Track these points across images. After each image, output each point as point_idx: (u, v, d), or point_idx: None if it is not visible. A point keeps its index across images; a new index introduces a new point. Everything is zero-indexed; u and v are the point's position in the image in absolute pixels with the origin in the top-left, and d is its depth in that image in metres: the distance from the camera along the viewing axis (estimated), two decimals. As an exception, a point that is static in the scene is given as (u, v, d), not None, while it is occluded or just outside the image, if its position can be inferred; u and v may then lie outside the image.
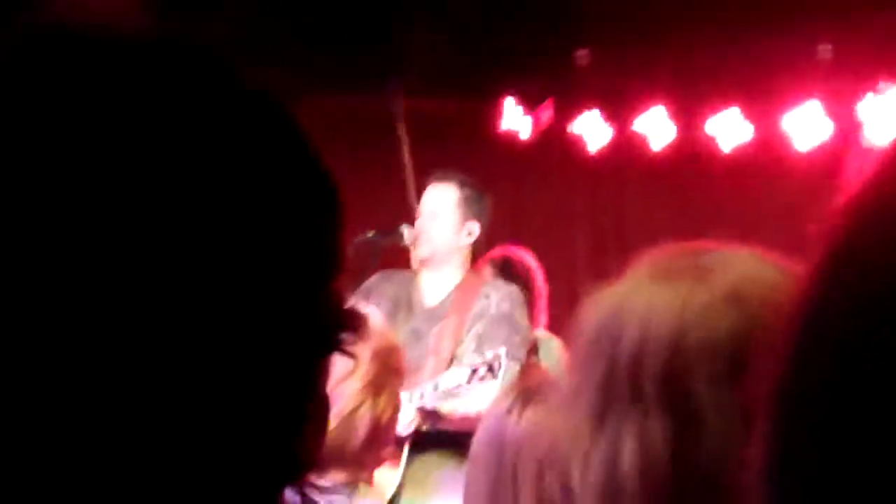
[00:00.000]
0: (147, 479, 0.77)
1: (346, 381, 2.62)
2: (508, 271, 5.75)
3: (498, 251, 5.67)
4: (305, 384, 0.86)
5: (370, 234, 5.36)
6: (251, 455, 0.82)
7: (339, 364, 2.81)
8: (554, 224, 8.54)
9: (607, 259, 8.09)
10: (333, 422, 2.59)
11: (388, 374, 2.73)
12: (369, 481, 2.63)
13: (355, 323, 0.87)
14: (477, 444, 2.42)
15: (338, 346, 0.86)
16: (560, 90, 7.78)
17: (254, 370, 0.81)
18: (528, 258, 5.78)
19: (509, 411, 2.34)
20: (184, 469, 0.79)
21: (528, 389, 2.39)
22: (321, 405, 0.87)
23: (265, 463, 0.83)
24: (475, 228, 5.43)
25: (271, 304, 0.81)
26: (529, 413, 2.31)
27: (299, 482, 0.87)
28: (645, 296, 1.40)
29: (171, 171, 0.78)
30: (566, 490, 1.40)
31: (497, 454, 2.32)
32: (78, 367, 0.76)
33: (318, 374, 0.86)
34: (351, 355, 0.87)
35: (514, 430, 2.31)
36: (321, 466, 2.53)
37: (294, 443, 0.85)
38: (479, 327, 5.26)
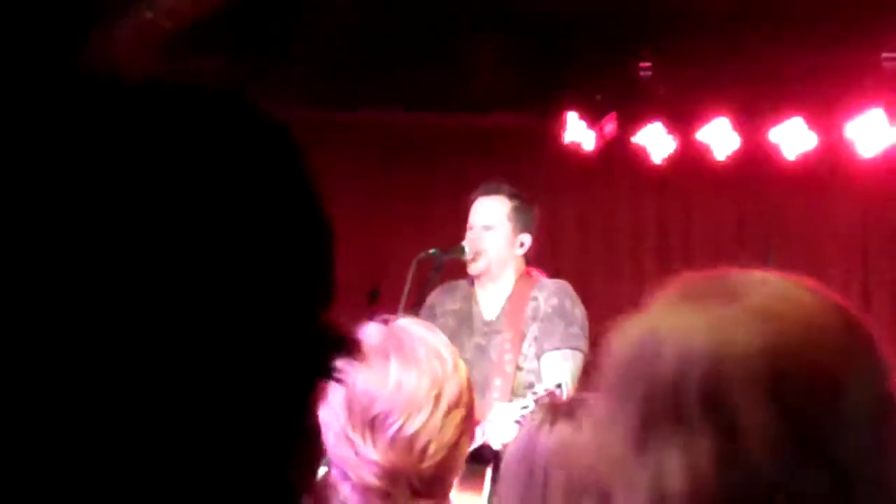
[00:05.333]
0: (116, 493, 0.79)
1: (455, 410, 2.57)
2: None
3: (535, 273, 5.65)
4: (297, 411, 0.86)
5: (431, 251, 5.37)
6: (243, 482, 0.83)
7: (448, 391, 2.74)
8: (619, 235, 8.55)
9: (673, 269, 8.06)
10: (441, 452, 2.55)
11: (473, 402, 2.71)
12: None
13: (349, 348, 0.87)
14: (508, 458, 2.44)
15: (329, 372, 0.87)
16: (623, 103, 7.78)
17: (245, 396, 0.82)
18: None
19: (540, 427, 2.36)
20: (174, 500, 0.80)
21: (559, 405, 2.41)
22: (313, 433, 0.88)
23: (257, 491, 0.83)
24: (527, 240, 5.42)
25: (263, 328, 0.83)
26: (559, 429, 2.33)
27: None
28: (679, 318, 1.42)
29: (177, 198, 0.81)
30: None
31: (528, 470, 2.34)
32: (65, 392, 0.78)
33: (311, 401, 0.87)
34: (340, 380, 0.87)
35: (545, 445, 2.32)
36: (416, 494, 2.52)
37: (287, 471, 0.85)
38: (534, 330, 5.25)
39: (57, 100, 0.82)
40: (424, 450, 2.48)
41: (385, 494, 2.38)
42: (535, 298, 5.31)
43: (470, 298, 5.42)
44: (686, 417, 1.35)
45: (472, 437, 2.65)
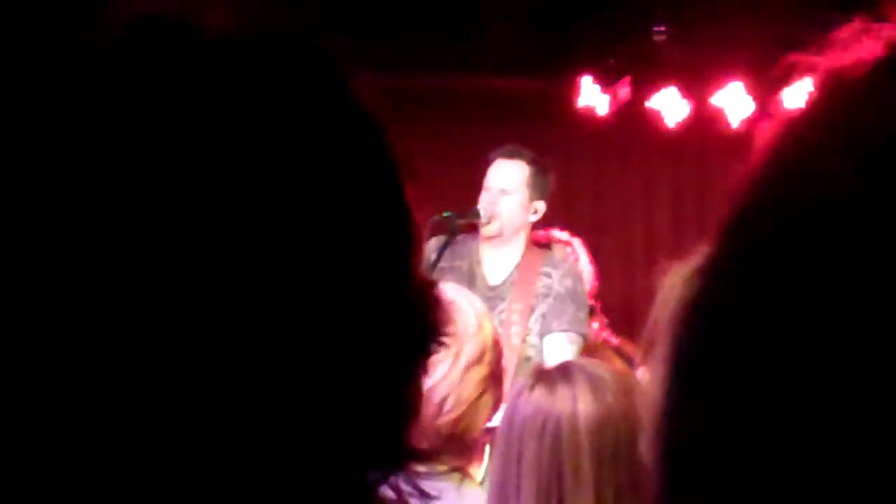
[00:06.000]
0: (246, 468, 0.78)
1: (474, 367, 2.56)
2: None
3: (542, 234, 5.62)
4: (403, 375, 0.86)
5: (446, 213, 5.25)
6: (350, 444, 0.82)
7: (468, 348, 2.75)
8: (633, 200, 8.54)
9: (687, 234, 8.08)
10: (460, 408, 2.54)
11: (500, 362, 2.69)
12: (469, 473, 2.61)
13: (445, 312, 0.87)
14: (498, 429, 2.44)
15: (435, 337, 0.86)
16: (637, 67, 7.75)
17: (352, 361, 0.81)
18: (573, 241, 5.74)
19: (519, 394, 2.36)
20: (281, 456, 0.79)
21: (540, 371, 2.40)
22: (418, 395, 0.88)
23: (363, 452, 0.84)
24: (541, 207, 5.36)
25: (365, 294, 0.82)
26: (536, 395, 2.32)
27: (400, 471, 0.87)
28: None
29: (268, 168, 0.79)
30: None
31: (507, 433, 2.34)
32: (183, 350, 0.77)
33: (417, 364, 0.87)
34: (446, 345, 0.87)
35: (523, 408, 2.32)
36: (440, 451, 2.51)
37: (392, 432, 0.85)
38: (543, 307, 5.21)
39: (124, 57, 0.80)
40: (442, 404, 2.48)
41: None
42: (549, 275, 5.26)
43: (474, 258, 5.35)
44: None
45: (497, 398, 2.65)
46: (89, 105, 0.79)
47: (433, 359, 2.96)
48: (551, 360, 5.02)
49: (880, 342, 0.57)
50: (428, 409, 2.47)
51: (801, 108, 0.67)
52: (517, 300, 5.22)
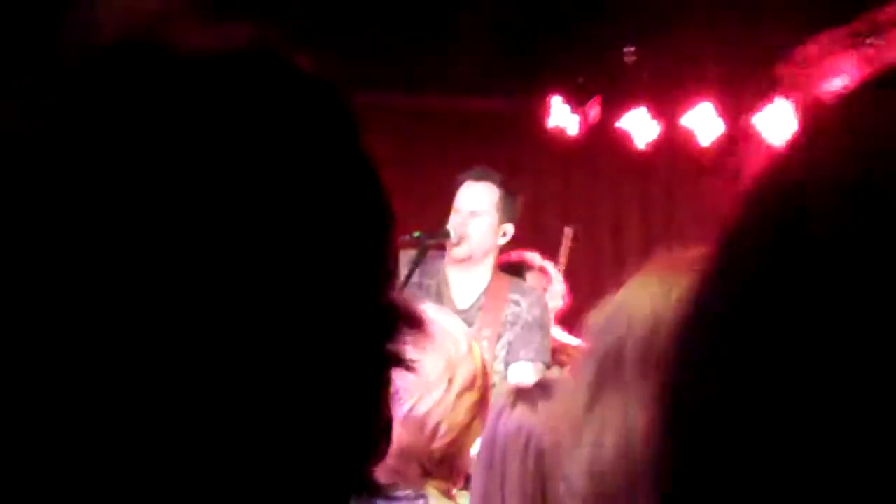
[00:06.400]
0: (210, 488, 0.78)
1: (466, 393, 2.58)
2: (522, 276, 5.72)
3: (514, 256, 5.62)
4: (368, 392, 0.84)
5: (416, 233, 5.23)
6: (314, 468, 0.81)
7: (461, 373, 2.76)
8: (603, 219, 8.56)
9: (655, 254, 8.08)
10: (452, 433, 2.56)
11: (489, 387, 2.71)
12: (452, 496, 2.63)
13: (415, 324, 0.86)
14: (479, 448, 2.45)
15: (399, 354, 0.85)
16: (607, 87, 7.79)
17: (312, 380, 0.80)
18: (546, 264, 5.75)
19: (500, 413, 2.36)
20: (245, 481, 0.78)
21: (521, 389, 2.41)
22: (385, 415, 0.86)
23: (330, 476, 0.82)
24: (510, 230, 5.36)
25: (330, 306, 0.81)
26: (518, 412, 2.32)
27: (368, 495, 0.85)
28: (636, 290, 1.47)
29: (245, 173, 0.79)
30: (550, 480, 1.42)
31: (489, 452, 2.34)
32: (159, 353, 0.77)
33: (382, 382, 0.85)
34: (409, 366, 0.86)
35: (505, 427, 2.32)
36: (427, 474, 2.52)
37: (359, 455, 0.84)
38: (509, 335, 5.21)
39: (95, 74, 0.80)
40: (436, 430, 2.51)
41: (396, 473, 2.40)
42: (517, 303, 5.26)
43: (441, 279, 5.34)
44: (626, 381, 1.40)
45: (485, 421, 2.69)
46: (66, 116, 0.79)
47: (428, 384, 2.91)
48: None
49: (877, 349, 0.59)
50: (422, 434, 2.49)
51: (799, 126, 0.69)
52: (486, 326, 5.22)
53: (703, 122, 7.72)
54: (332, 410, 0.82)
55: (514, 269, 5.61)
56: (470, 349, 2.59)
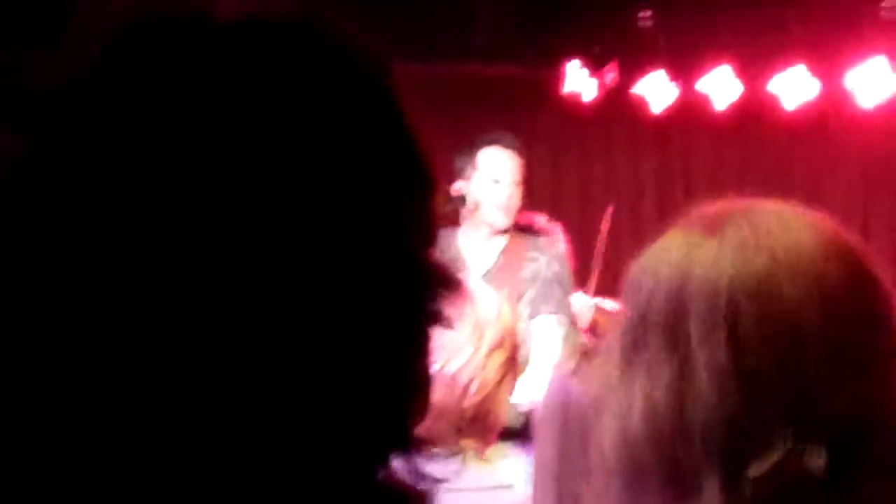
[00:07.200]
0: (249, 452, 0.78)
1: (496, 352, 2.61)
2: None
3: (523, 217, 5.64)
4: (408, 350, 0.85)
5: None
6: (356, 425, 0.82)
7: (489, 333, 2.81)
8: (619, 185, 8.54)
9: (674, 219, 8.06)
10: (483, 391, 2.58)
11: (517, 347, 2.74)
12: (483, 454, 2.64)
13: (454, 285, 0.87)
14: (542, 412, 2.39)
15: (438, 313, 0.86)
16: (624, 51, 7.75)
17: (355, 338, 0.81)
18: (552, 226, 5.75)
19: (572, 374, 2.31)
20: (287, 438, 0.79)
21: (588, 351, 2.39)
22: (425, 374, 0.86)
23: (371, 434, 0.83)
24: (520, 195, 5.44)
25: (370, 268, 0.82)
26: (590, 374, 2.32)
27: (408, 452, 0.86)
28: (661, 250, 1.42)
29: (281, 145, 0.80)
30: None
31: (562, 420, 2.29)
32: (196, 322, 0.77)
33: (422, 340, 0.86)
34: (449, 322, 0.86)
35: (578, 392, 2.27)
36: (459, 433, 2.54)
37: (400, 412, 0.85)
38: (531, 292, 5.26)
39: (138, 45, 0.81)
40: (467, 388, 2.54)
41: (428, 432, 2.40)
42: (536, 259, 5.31)
43: (454, 253, 5.36)
44: (652, 346, 1.36)
45: (514, 380, 2.72)
46: (96, 98, 0.80)
47: (457, 344, 2.95)
48: (540, 343, 5.08)
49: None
50: (453, 393, 2.52)
51: None
52: (504, 287, 5.22)
53: (720, 87, 7.67)
54: (375, 366, 0.82)
55: (525, 232, 5.62)
56: (499, 314, 2.62)
